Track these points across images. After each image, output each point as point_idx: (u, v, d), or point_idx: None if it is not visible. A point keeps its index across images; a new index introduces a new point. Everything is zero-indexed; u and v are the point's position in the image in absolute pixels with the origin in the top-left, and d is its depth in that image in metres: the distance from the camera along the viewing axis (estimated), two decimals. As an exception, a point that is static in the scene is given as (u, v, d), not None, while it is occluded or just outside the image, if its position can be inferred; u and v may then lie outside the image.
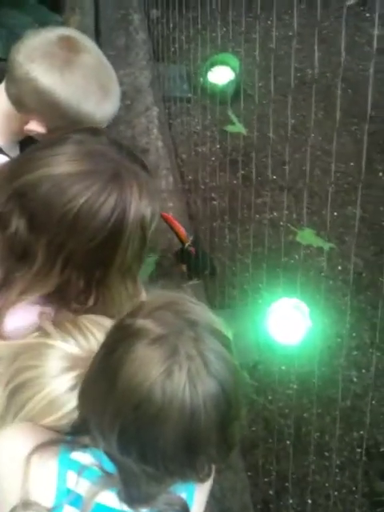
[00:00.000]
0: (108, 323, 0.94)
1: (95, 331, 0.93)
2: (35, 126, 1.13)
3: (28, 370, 0.90)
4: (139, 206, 0.97)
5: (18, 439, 0.86)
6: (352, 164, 2.64)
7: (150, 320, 0.79)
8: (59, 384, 0.88)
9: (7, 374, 0.91)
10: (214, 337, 0.81)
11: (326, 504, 1.83)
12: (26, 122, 1.14)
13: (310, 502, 1.84)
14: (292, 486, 1.84)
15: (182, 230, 2.03)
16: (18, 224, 0.96)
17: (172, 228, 2.03)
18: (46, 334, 0.94)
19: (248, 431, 1.90)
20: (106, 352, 0.82)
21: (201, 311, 0.84)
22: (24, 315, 1.02)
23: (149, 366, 0.76)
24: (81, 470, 0.82)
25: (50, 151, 0.97)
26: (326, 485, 1.86)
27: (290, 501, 1.84)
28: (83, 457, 0.83)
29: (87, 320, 0.96)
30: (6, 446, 0.87)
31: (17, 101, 1.12)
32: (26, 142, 1.19)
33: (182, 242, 2.02)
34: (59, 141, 0.98)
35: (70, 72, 1.09)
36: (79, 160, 0.95)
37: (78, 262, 0.98)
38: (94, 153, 0.97)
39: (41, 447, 0.83)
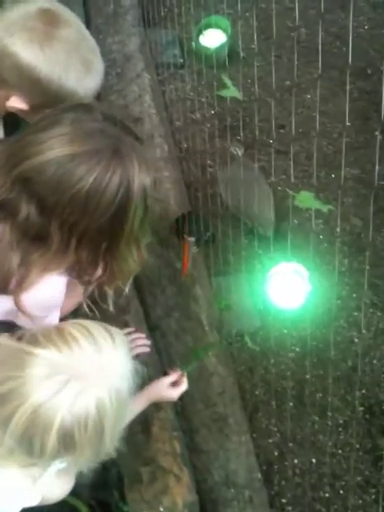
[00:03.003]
0: (95, 329, 0.95)
1: (79, 336, 0.93)
2: (17, 103, 1.12)
3: (10, 381, 0.90)
4: (140, 177, 1.00)
5: None
6: (349, 124, 2.59)
7: None
8: (42, 391, 0.88)
9: None
10: None
11: (330, 462, 1.87)
12: (7, 98, 1.12)
13: (314, 461, 1.88)
14: (296, 447, 1.88)
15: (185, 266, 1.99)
16: (28, 209, 0.98)
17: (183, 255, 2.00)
18: (29, 342, 0.94)
19: (252, 395, 1.93)
20: None
21: None
22: (40, 287, 1.05)
23: None
24: None
25: (48, 133, 0.97)
26: (330, 444, 1.90)
27: (295, 461, 1.88)
28: None
29: (72, 325, 0.96)
30: None
31: None
32: (9, 119, 1.18)
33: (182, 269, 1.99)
34: (54, 122, 0.99)
35: (51, 47, 1.07)
36: (79, 140, 0.97)
37: (90, 239, 1.02)
38: (92, 131, 0.98)
39: None
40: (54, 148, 0.96)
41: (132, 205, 1.01)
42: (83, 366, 0.91)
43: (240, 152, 2.19)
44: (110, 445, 0.97)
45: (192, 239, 1.96)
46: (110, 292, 1.20)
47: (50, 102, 1.06)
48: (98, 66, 1.14)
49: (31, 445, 0.91)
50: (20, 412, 0.88)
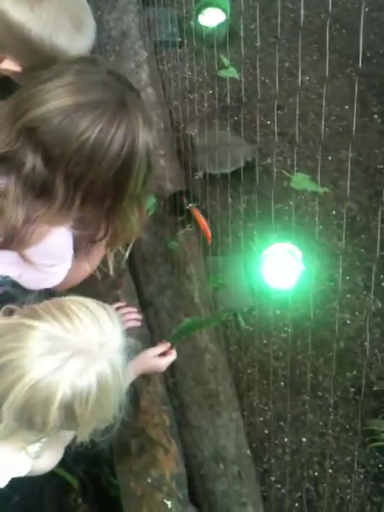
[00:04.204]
0: (93, 306, 0.94)
1: (81, 315, 0.92)
2: (9, 65, 1.11)
3: (11, 352, 0.88)
4: (144, 133, 1.00)
5: None
6: (347, 107, 2.58)
7: None
8: (42, 366, 0.87)
9: None
10: None
11: (320, 442, 1.88)
12: (0, 61, 1.11)
13: (304, 440, 1.89)
14: (287, 426, 1.88)
15: (207, 231, 1.99)
16: (34, 161, 0.97)
17: (197, 223, 2.00)
18: (28, 315, 0.92)
19: (244, 374, 1.94)
20: None
21: None
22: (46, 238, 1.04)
23: None
24: None
25: (53, 84, 0.97)
26: (320, 423, 1.91)
27: (285, 439, 1.89)
28: None
29: (72, 302, 0.95)
30: None
31: None
32: (2, 82, 1.17)
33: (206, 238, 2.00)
34: (58, 73, 0.99)
35: (40, 6, 1.06)
36: (85, 90, 0.97)
37: (95, 194, 1.01)
38: (97, 82, 0.98)
39: None
40: (59, 97, 0.95)
41: (137, 159, 1.00)
42: (86, 342, 0.90)
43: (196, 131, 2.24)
44: (111, 416, 0.97)
45: (194, 205, 1.97)
46: (110, 255, 1.20)
47: (43, 62, 1.05)
48: (90, 24, 1.13)
49: (31, 419, 0.90)
50: (20, 384, 0.87)
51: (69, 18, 1.09)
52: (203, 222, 1.97)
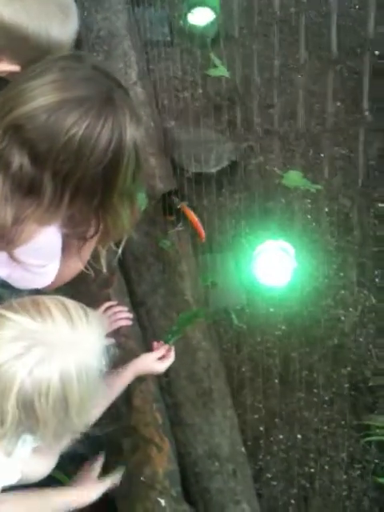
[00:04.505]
0: (72, 306, 0.95)
1: (55, 312, 0.93)
2: (7, 66, 1.11)
3: None
4: (132, 128, 1.00)
5: None
6: (338, 104, 2.58)
7: None
8: (5, 352, 0.88)
9: None
10: None
11: (315, 438, 1.88)
12: None
13: (299, 436, 1.88)
14: (282, 423, 1.88)
15: (200, 229, 1.99)
16: (21, 159, 0.97)
17: (191, 222, 2.00)
18: (6, 308, 0.94)
19: (237, 372, 1.93)
20: None
21: None
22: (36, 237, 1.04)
23: None
24: None
25: (39, 81, 0.97)
26: (315, 420, 1.90)
27: (280, 436, 1.88)
28: None
29: (51, 300, 0.95)
30: None
31: None
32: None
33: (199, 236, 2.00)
34: (44, 70, 0.99)
35: (31, 1, 1.06)
36: (70, 87, 0.96)
37: (83, 190, 1.01)
38: (82, 78, 0.98)
39: None
40: (45, 95, 0.95)
41: (125, 154, 1.00)
42: (52, 337, 0.90)
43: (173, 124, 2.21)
44: (79, 422, 0.96)
45: (185, 203, 1.96)
46: (103, 252, 1.19)
47: (40, 55, 1.06)
48: (73, 7, 1.14)
49: None
50: None
51: (57, 6, 1.09)
52: (195, 219, 1.97)
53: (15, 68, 1.11)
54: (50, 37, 1.09)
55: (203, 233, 1.98)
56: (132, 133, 1.00)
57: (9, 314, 0.92)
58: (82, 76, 0.98)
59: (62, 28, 1.10)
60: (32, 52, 1.09)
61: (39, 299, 0.96)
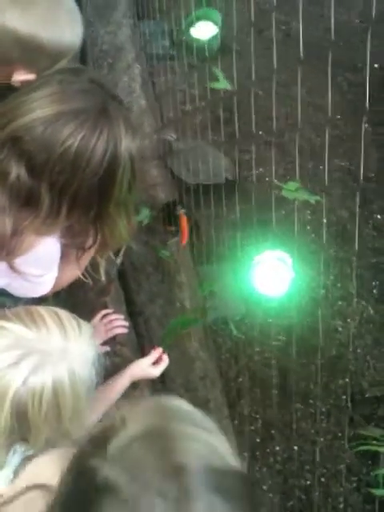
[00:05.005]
0: (65, 316, 0.96)
1: (49, 321, 0.94)
2: (23, 75, 1.13)
3: None
4: (127, 139, 1.03)
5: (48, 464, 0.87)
6: (338, 116, 2.60)
7: (118, 469, 0.58)
8: (1, 360, 0.89)
9: None
10: (210, 491, 0.56)
11: (312, 450, 1.87)
12: (9, 75, 1.13)
13: (296, 448, 1.88)
14: (278, 434, 1.88)
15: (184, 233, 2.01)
16: (18, 170, 0.99)
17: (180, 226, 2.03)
18: (1, 317, 0.95)
19: (235, 382, 1.93)
20: (64, 498, 0.62)
21: (196, 442, 0.61)
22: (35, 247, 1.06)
23: None
24: None
25: (36, 94, 1.00)
26: (312, 431, 1.90)
27: (277, 448, 1.88)
28: None
29: (42, 308, 0.97)
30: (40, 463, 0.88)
31: None
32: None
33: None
34: (42, 83, 1.02)
35: (47, 11, 1.10)
36: (67, 100, 0.99)
37: (80, 201, 1.03)
38: (79, 91, 1.01)
39: (45, 489, 0.80)
40: (42, 107, 0.98)
41: (120, 165, 1.02)
42: (46, 346, 0.92)
43: (173, 137, 2.23)
44: (72, 428, 0.97)
45: (184, 211, 1.98)
46: (101, 261, 1.21)
47: (54, 62, 1.09)
48: (77, 10, 1.17)
49: None
50: None
51: (65, 12, 1.12)
52: (184, 224, 1.98)
53: (31, 77, 1.14)
54: (62, 42, 1.12)
55: (185, 238, 1.99)
56: (127, 144, 1.03)
57: (2, 323, 0.93)
58: (78, 89, 1.01)
59: (72, 32, 1.13)
60: (47, 59, 1.12)
61: (33, 309, 0.97)
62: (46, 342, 0.92)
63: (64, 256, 1.17)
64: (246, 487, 0.60)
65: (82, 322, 0.99)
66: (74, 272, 1.23)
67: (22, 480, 0.86)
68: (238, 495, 0.58)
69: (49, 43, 1.10)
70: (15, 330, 0.92)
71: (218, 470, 0.58)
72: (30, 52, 1.10)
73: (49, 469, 0.86)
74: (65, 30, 1.12)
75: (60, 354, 0.92)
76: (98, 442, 0.63)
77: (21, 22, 1.08)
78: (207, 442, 0.62)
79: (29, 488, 0.82)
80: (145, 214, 1.91)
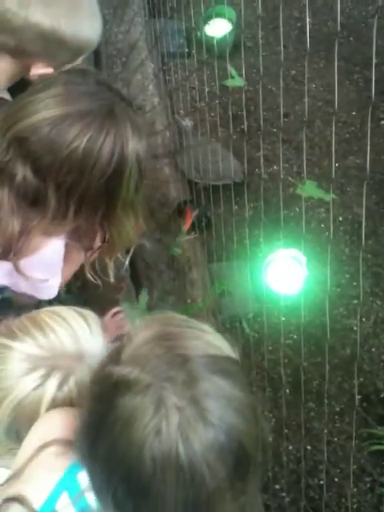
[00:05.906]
0: (69, 315, 0.95)
1: (55, 326, 0.93)
2: (43, 69, 1.14)
3: None
4: (134, 141, 1.02)
5: (53, 421, 0.85)
6: (354, 113, 2.57)
7: (130, 366, 0.69)
8: (24, 385, 0.88)
9: None
10: (212, 373, 0.68)
11: (326, 449, 1.85)
12: (27, 68, 1.14)
13: (309, 447, 1.86)
14: (291, 433, 1.86)
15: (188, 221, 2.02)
16: (24, 171, 0.99)
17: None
18: (6, 335, 0.93)
19: (247, 381, 1.92)
20: (89, 408, 0.73)
21: (196, 339, 0.73)
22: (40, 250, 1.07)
23: (133, 427, 0.65)
24: (77, 497, 0.75)
25: (43, 95, 0.99)
26: (326, 431, 1.88)
27: (290, 447, 1.86)
28: (87, 481, 0.75)
29: (46, 314, 0.95)
30: (41, 424, 0.86)
31: (17, 50, 1.11)
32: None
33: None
34: (48, 84, 1.01)
35: (71, 8, 1.10)
36: (73, 101, 0.99)
37: (87, 202, 1.02)
38: (85, 93, 1.00)
39: (61, 443, 0.79)
40: (48, 108, 0.97)
41: (127, 166, 1.02)
42: (62, 356, 0.91)
43: (189, 123, 2.22)
44: None
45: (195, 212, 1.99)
46: (110, 263, 1.21)
47: (75, 56, 1.09)
48: (97, 6, 1.17)
49: (19, 434, 0.90)
50: (5, 403, 0.88)
51: (86, 5, 1.12)
52: (188, 219, 1.97)
53: (49, 70, 1.14)
54: (83, 37, 1.12)
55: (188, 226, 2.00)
56: (134, 145, 1.02)
57: (13, 344, 0.91)
58: (84, 90, 1.01)
59: (92, 26, 1.13)
60: (67, 54, 1.13)
61: (37, 317, 0.95)
62: (60, 352, 0.91)
63: (67, 252, 1.16)
64: (240, 368, 0.75)
65: (87, 314, 0.97)
66: (75, 265, 1.23)
67: (29, 446, 0.83)
68: (234, 374, 0.71)
69: (70, 38, 1.10)
70: (26, 349, 0.90)
71: (216, 356, 0.71)
72: (52, 46, 1.11)
73: (55, 427, 0.84)
74: (84, 24, 1.12)
75: (76, 359, 0.91)
76: (112, 355, 0.74)
77: (43, 16, 1.08)
78: (204, 338, 0.74)
79: (41, 447, 0.80)
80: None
